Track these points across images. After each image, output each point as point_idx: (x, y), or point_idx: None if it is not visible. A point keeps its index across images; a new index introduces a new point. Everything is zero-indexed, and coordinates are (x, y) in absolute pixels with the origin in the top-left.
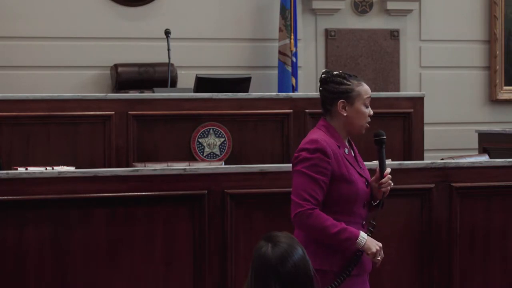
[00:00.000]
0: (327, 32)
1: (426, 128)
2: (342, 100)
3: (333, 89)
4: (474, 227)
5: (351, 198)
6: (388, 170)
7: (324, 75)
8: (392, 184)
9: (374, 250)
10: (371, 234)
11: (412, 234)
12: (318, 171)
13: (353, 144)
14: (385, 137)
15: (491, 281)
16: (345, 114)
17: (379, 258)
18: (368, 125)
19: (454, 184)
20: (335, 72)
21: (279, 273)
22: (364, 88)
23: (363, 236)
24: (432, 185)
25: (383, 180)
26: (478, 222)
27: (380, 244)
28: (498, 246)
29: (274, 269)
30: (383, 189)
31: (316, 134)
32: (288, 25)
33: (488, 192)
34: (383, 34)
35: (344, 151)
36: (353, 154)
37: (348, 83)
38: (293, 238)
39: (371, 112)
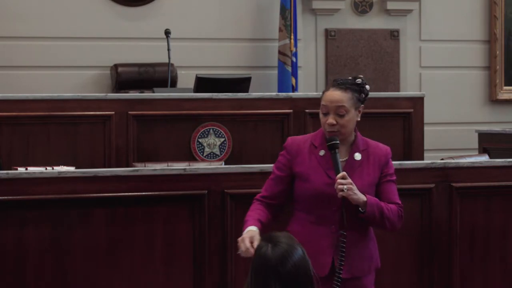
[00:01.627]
0: (327, 32)
1: (426, 128)
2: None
3: None
4: (474, 227)
5: (306, 198)
6: (340, 175)
7: None
8: (345, 187)
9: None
10: (344, 244)
11: (412, 234)
12: (277, 167)
13: (356, 149)
14: (337, 141)
15: (491, 281)
16: None
17: (241, 249)
18: (330, 133)
19: (454, 184)
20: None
21: (280, 273)
22: (325, 95)
23: (244, 231)
24: (432, 185)
25: (335, 185)
26: (478, 222)
27: (243, 237)
28: (498, 246)
29: (274, 269)
30: (338, 195)
31: (303, 135)
32: (288, 25)
33: (488, 192)
34: (383, 34)
35: (319, 153)
36: (343, 159)
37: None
38: (293, 238)
39: (329, 121)
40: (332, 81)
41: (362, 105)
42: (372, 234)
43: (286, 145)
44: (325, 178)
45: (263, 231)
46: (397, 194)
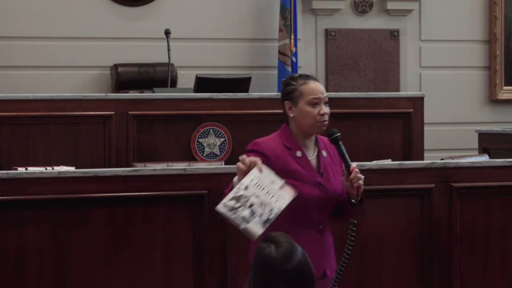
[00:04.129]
0: (327, 32)
1: (426, 128)
2: (287, 101)
3: (282, 92)
4: (474, 227)
5: (292, 203)
6: (354, 164)
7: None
8: (363, 177)
9: (238, 163)
10: (354, 233)
11: (412, 234)
12: None
13: (320, 147)
14: (339, 134)
15: (491, 281)
16: (291, 115)
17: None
18: (323, 123)
19: (454, 184)
20: (292, 75)
21: (286, 271)
22: (310, 87)
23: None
24: (432, 185)
25: (351, 176)
26: (478, 222)
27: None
28: (498, 246)
29: (280, 268)
30: (355, 185)
31: (266, 137)
32: (288, 25)
33: (488, 192)
34: (383, 34)
35: (296, 154)
36: (312, 156)
37: (293, 83)
38: (289, 237)
39: (324, 111)
40: (304, 76)
41: None
42: None
43: (262, 150)
44: (310, 180)
45: None
46: None
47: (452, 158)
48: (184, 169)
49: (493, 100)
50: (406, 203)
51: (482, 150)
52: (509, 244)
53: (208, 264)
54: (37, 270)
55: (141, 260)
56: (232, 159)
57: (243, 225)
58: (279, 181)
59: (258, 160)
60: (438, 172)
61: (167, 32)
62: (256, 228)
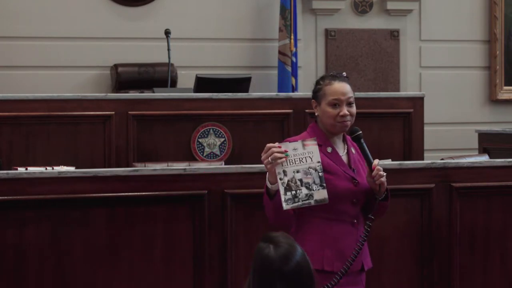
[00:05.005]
0: (327, 32)
1: (426, 128)
2: (313, 100)
3: (312, 90)
4: (474, 227)
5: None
6: (376, 161)
7: None
8: (385, 173)
9: (265, 161)
10: (369, 229)
11: (412, 234)
12: None
13: (349, 143)
14: (360, 132)
15: (491, 281)
16: (316, 114)
17: (275, 155)
18: (344, 124)
19: (454, 184)
20: (325, 74)
21: (284, 273)
22: (333, 88)
23: (267, 178)
24: (432, 185)
25: (373, 173)
26: (478, 222)
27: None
28: (498, 246)
29: (278, 269)
30: (377, 182)
31: (297, 136)
32: (288, 25)
33: (488, 192)
34: (383, 34)
35: (327, 150)
36: (342, 153)
37: (320, 82)
38: (291, 237)
39: (343, 112)
40: (329, 76)
41: None
42: None
43: None
44: (343, 174)
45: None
46: None
47: (452, 158)
48: (184, 169)
49: (493, 100)
50: (406, 203)
51: (482, 150)
52: (509, 244)
53: (208, 264)
54: (37, 270)
55: (141, 260)
56: (232, 159)
57: (312, 201)
58: (298, 144)
59: (272, 148)
60: (438, 172)
61: (167, 32)
62: (320, 194)
